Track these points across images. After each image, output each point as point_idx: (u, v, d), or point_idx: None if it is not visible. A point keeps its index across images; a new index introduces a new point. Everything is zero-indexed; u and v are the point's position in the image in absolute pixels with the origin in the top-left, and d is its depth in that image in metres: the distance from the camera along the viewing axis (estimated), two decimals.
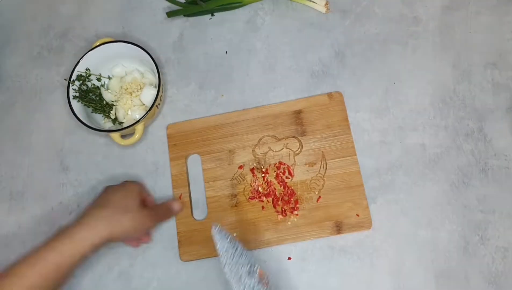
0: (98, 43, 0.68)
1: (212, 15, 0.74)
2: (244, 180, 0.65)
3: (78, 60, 0.67)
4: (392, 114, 0.66)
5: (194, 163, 0.67)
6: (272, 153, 0.65)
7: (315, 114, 0.66)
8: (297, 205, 0.63)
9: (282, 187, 0.63)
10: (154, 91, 0.67)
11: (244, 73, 0.70)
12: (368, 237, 0.61)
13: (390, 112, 0.66)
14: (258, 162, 0.65)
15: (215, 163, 0.66)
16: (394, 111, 0.66)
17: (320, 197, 0.62)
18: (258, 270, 0.54)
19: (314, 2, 0.71)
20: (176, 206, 0.62)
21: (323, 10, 0.71)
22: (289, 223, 0.62)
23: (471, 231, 0.60)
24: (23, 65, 0.76)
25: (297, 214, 0.62)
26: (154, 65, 0.66)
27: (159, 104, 0.67)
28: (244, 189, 0.64)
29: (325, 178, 0.63)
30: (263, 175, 0.64)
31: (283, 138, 0.66)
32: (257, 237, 0.62)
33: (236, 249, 0.55)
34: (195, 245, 0.63)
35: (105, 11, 0.77)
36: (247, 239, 0.62)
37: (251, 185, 0.64)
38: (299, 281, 0.61)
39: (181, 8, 0.73)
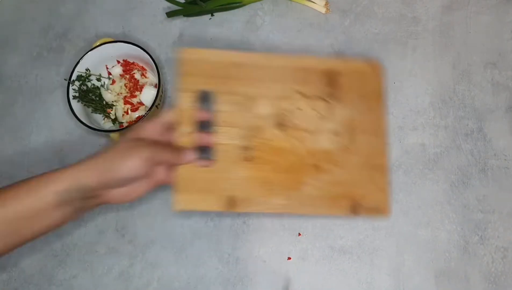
0: (98, 43, 0.68)
1: (212, 15, 0.74)
2: (262, 134, 0.56)
3: (78, 60, 0.67)
4: (391, 114, 0.66)
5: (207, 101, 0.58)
6: (297, 112, 0.57)
7: (351, 79, 0.58)
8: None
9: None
10: (154, 91, 0.68)
11: None
12: (368, 237, 0.61)
13: (390, 111, 0.66)
14: (280, 117, 0.57)
15: (231, 106, 0.56)
16: (394, 111, 0.66)
17: None
18: None
19: (313, 2, 0.71)
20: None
21: (323, 10, 0.71)
22: (303, 192, 0.55)
23: (471, 231, 0.60)
24: (23, 65, 0.76)
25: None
26: (154, 65, 0.66)
27: (159, 104, 0.67)
28: (260, 144, 0.56)
29: (349, 152, 0.57)
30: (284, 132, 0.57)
31: (311, 97, 0.58)
32: (265, 199, 0.55)
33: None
34: (193, 194, 0.54)
35: (105, 11, 0.77)
36: (253, 199, 0.54)
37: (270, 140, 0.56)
38: (299, 281, 0.61)
39: (181, 8, 0.73)
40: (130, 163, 0.47)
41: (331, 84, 0.59)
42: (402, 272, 0.60)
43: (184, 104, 0.56)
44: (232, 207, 0.55)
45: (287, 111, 0.58)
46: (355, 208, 0.56)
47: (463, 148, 0.63)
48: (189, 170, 0.54)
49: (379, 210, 0.56)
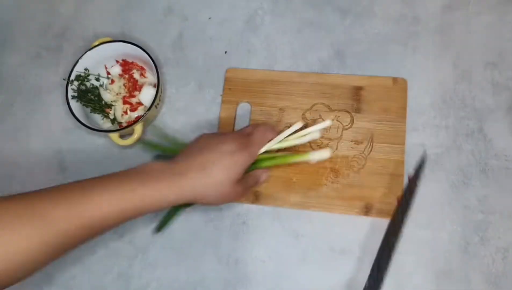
0: (96, 43, 0.68)
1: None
2: (287, 139, 0.63)
3: (76, 60, 0.67)
4: None
5: (243, 111, 0.68)
6: (321, 122, 0.63)
7: (375, 94, 0.65)
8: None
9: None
10: (153, 91, 0.67)
11: None
12: (368, 238, 0.61)
13: None
14: (305, 127, 0.64)
15: (264, 116, 0.66)
16: None
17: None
18: None
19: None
20: (264, 176, 0.59)
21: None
22: (320, 192, 0.63)
23: (471, 231, 0.60)
24: (21, 65, 0.75)
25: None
26: (153, 65, 0.65)
27: (158, 104, 0.66)
28: (286, 148, 0.63)
29: (367, 159, 0.63)
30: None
31: (336, 110, 0.65)
32: (285, 196, 0.63)
33: None
34: None
35: (104, 10, 0.76)
36: (276, 196, 0.63)
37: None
38: (298, 282, 0.61)
39: None
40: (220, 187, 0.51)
41: (355, 98, 0.66)
42: (402, 272, 0.60)
43: (224, 113, 0.67)
44: (256, 201, 0.64)
45: (313, 120, 0.66)
46: (368, 210, 0.61)
47: (464, 149, 0.63)
48: None
49: (391, 214, 0.61)
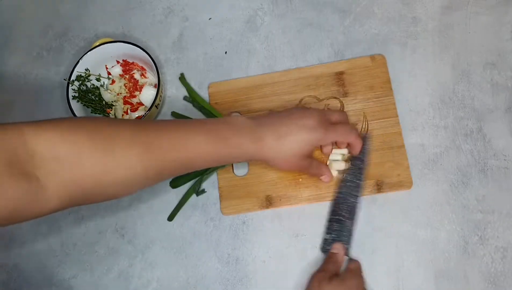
0: (97, 43, 0.69)
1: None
2: None
3: (77, 60, 0.67)
4: None
5: None
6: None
7: (357, 76, 0.66)
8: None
9: None
10: (153, 91, 0.68)
11: (244, 73, 0.70)
12: (367, 237, 0.61)
13: None
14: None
15: None
16: None
17: None
18: None
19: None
20: (326, 178, 0.62)
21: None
22: (330, 181, 0.63)
23: (470, 231, 0.60)
24: (22, 65, 0.76)
25: None
26: (153, 65, 0.66)
27: (158, 104, 0.67)
28: None
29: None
30: None
31: (324, 99, 0.66)
32: (297, 194, 0.63)
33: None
34: (236, 199, 0.64)
35: (104, 11, 0.77)
36: (288, 195, 0.63)
37: None
38: (298, 281, 0.61)
39: None
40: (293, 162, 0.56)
41: (339, 83, 0.67)
42: (402, 272, 0.60)
43: None
44: (269, 205, 0.64)
45: None
46: (379, 187, 0.62)
47: (463, 149, 0.63)
48: (228, 180, 0.65)
49: (402, 185, 0.62)
